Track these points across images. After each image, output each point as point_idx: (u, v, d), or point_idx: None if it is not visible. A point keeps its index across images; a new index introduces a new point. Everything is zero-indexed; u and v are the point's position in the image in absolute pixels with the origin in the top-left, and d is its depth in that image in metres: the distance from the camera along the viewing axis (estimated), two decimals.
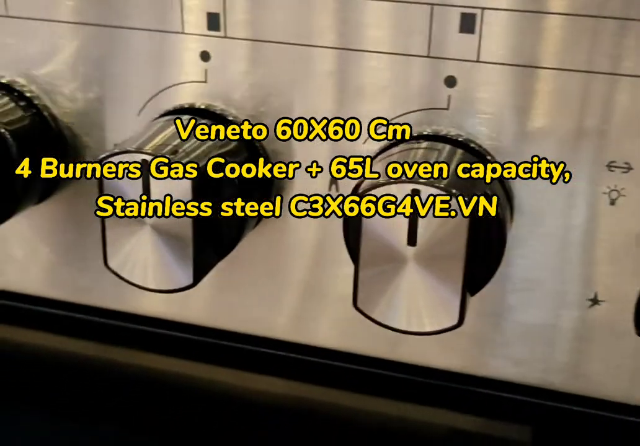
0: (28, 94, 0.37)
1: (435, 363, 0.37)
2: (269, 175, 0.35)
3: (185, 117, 0.34)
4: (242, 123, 0.35)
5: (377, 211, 0.28)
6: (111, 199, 0.31)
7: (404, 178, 0.28)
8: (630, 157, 0.31)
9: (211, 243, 0.33)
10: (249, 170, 0.34)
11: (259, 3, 0.33)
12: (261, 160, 0.35)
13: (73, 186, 0.39)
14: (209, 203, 0.32)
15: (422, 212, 0.28)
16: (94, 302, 0.41)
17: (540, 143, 0.32)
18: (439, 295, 0.29)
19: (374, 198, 0.28)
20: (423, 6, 0.31)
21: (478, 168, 0.31)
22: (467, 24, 0.31)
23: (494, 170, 0.32)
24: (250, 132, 0.35)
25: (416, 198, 0.28)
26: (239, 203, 0.33)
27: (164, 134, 0.33)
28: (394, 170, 0.29)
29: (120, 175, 0.31)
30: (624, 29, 0.29)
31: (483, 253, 0.30)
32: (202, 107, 0.35)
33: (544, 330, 0.34)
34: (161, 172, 0.31)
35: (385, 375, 0.39)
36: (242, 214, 0.33)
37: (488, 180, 0.31)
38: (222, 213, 0.33)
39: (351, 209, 0.31)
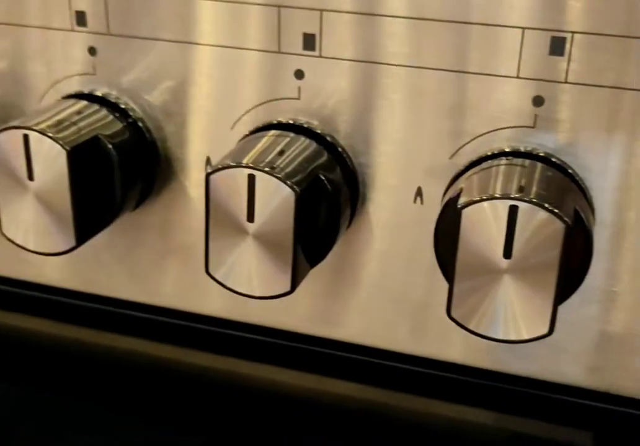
0: (122, 105, 0.39)
1: (511, 370, 0.39)
2: (356, 186, 0.37)
3: (278, 132, 0.36)
4: (333, 139, 0.37)
5: (474, 226, 0.30)
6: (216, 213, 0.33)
7: (499, 194, 0.30)
8: None
9: (307, 251, 0.34)
10: (339, 182, 0.36)
11: (355, 25, 0.35)
12: (348, 172, 0.37)
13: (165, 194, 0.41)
14: (307, 214, 0.33)
15: (520, 226, 0.29)
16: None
17: (622, 160, 0.33)
18: (532, 305, 0.30)
19: (472, 213, 0.30)
20: (515, 30, 0.33)
21: (567, 183, 0.32)
22: (557, 46, 0.32)
23: (580, 186, 0.33)
24: (341, 147, 0.36)
25: (514, 214, 0.29)
26: (331, 213, 0.35)
27: (259, 149, 0.35)
28: (489, 186, 0.31)
29: (228, 191, 0.33)
30: None
31: (571, 264, 0.31)
32: (292, 122, 0.37)
33: (622, 339, 0.36)
34: (265, 185, 0.32)
35: (456, 379, 0.41)
36: (334, 224, 0.35)
37: (575, 194, 0.32)
38: (318, 223, 0.34)
39: (443, 223, 0.32)
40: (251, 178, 0.33)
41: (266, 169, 0.33)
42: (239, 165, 0.33)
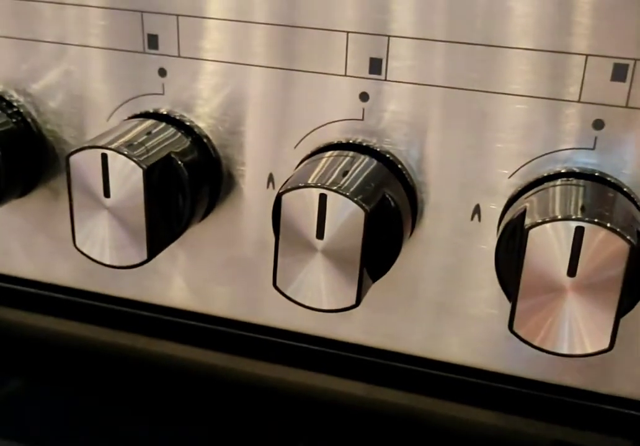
0: (187, 123, 0.41)
1: (561, 380, 0.40)
2: (415, 203, 0.38)
3: (340, 152, 0.38)
4: (393, 157, 0.38)
5: (539, 246, 0.31)
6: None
7: (563, 215, 0.31)
8: None
9: (371, 266, 0.36)
10: (402, 199, 0.37)
11: (418, 51, 0.36)
12: (409, 190, 0.38)
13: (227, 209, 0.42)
14: (374, 231, 0.35)
15: (584, 246, 0.31)
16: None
17: None
18: (595, 321, 0.32)
19: (537, 234, 0.31)
20: (579, 56, 0.34)
21: (627, 202, 0.34)
22: (619, 73, 0.34)
23: (637, 205, 0.35)
24: (401, 164, 0.38)
25: (580, 234, 0.31)
26: (394, 229, 0.37)
27: (325, 168, 0.36)
28: (550, 207, 0.32)
29: (298, 209, 0.34)
30: None
31: (633, 280, 0.32)
32: (354, 142, 0.38)
33: None
34: (335, 204, 0.34)
35: (505, 389, 0.42)
36: (397, 241, 0.37)
37: (635, 213, 0.34)
38: (383, 240, 0.36)
39: (505, 242, 0.34)
40: (322, 198, 0.34)
41: (336, 188, 0.34)
42: (309, 185, 0.34)
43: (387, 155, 0.38)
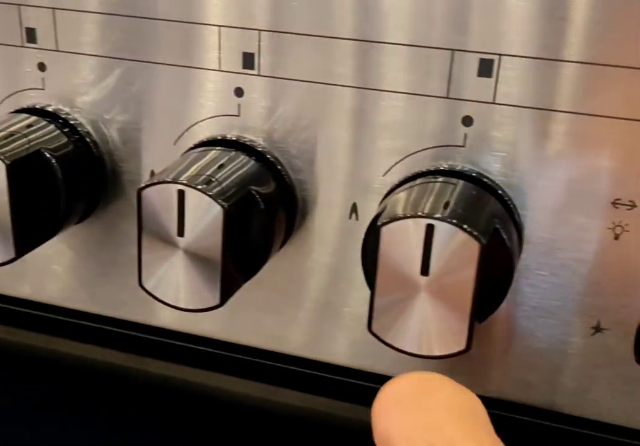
0: (72, 122, 0.40)
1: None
2: (293, 203, 0.38)
3: (218, 148, 0.37)
4: (272, 155, 0.37)
5: (393, 243, 0.31)
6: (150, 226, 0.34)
7: (420, 213, 0.31)
8: (635, 195, 0.33)
9: (238, 266, 0.35)
10: (275, 198, 0.37)
11: (285, 47, 0.35)
12: (289, 188, 0.37)
13: (113, 207, 0.41)
14: (238, 231, 0.34)
15: (437, 245, 0.30)
16: (126, 316, 0.43)
17: (551, 179, 0.34)
18: (449, 321, 0.31)
19: (390, 232, 0.30)
20: (445, 51, 0.33)
21: (490, 202, 0.33)
22: (485, 68, 0.33)
23: (504, 204, 0.34)
24: (280, 164, 0.37)
25: (430, 232, 0.30)
26: (266, 230, 0.36)
27: (198, 164, 0.35)
28: (411, 204, 0.31)
29: (158, 205, 0.33)
30: (634, 77, 0.31)
31: (492, 282, 0.32)
32: (233, 138, 0.38)
33: (551, 355, 0.36)
34: (195, 202, 0.33)
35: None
36: (267, 240, 0.36)
37: (499, 213, 0.33)
38: (250, 239, 0.35)
39: (369, 240, 0.33)
40: (181, 194, 0.33)
41: (195, 185, 0.33)
42: (168, 181, 0.33)
43: (262, 152, 0.37)
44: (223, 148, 0.37)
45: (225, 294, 0.35)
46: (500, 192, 0.34)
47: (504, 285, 0.32)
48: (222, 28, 0.36)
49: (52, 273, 0.44)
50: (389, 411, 0.24)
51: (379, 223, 0.31)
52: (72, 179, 0.39)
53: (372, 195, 0.37)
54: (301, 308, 0.40)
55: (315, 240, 0.38)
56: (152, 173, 0.40)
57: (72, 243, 0.43)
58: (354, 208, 0.37)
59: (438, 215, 0.30)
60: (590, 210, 0.34)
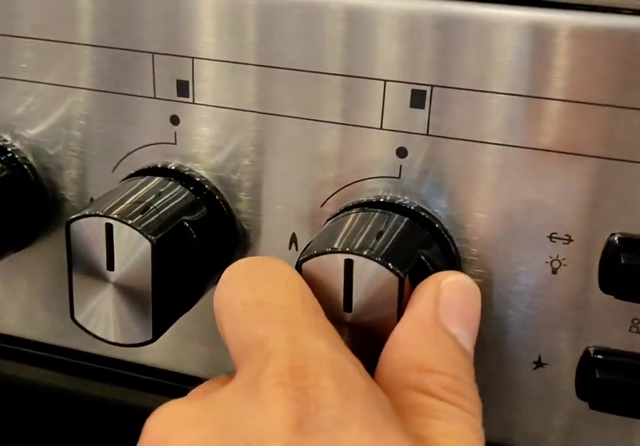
0: (9, 148, 0.39)
1: None
2: (232, 233, 0.37)
3: (156, 178, 0.36)
4: (210, 186, 0.37)
5: (315, 278, 0.30)
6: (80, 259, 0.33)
7: (331, 248, 0.30)
8: (571, 229, 0.32)
9: (172, 300, 0.34)
10: (213, 230, 0.36)
11: (224, 73, 0.35)
12: (226, 218, 0.37)
13: (54, 235, 0.41)
14: (169, 264, 0.33)
15: (357, 279, 0.29)
16: (68, 344, 0.43)
17: (486, 212, 0.33)
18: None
19: (311, 268, 0.30)
20: (377, 82, 0.33)
21: (419, 234, 0.32)
22: (418, 99, 0.32)
23: (437, 235, 0.33)
24: (218, 194, 0.37)
25: (350, 267, 0.29)
26: (200, 262, 0.35)
27: (133, 194, 0.35)
28: (335, 238, 0.31)
29: (86, 239, 0.33)
30: (567, 109, 0.31)
31: None
32: (173, 167, 0.37)
33: (493, 389, 0.36)
34: (124, 235, 0.32)
35: None
36: (203, 273, 0.35)
37: (427, 245, 0.32)
38: (183, 273, 0.34)
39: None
40: (109, 228, 0.33)
41: (125, 218, 0.32)
42: (96, 214, 0.33)
43: (198, 180, 0.36)
44: (161, 177, 0.37)
45: (158, 329, 0.34)
46: (437, 225, 0.34)
47: None
48: (155, 55, 0.35)
49: None
50: (224, 284, 0.29)
51: (300, 259, 0.30)
52: (8, 206, 0.38)
53: (310, 226, 0.36)
54: None
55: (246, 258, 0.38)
56: (92, 201, 0.39)
57: (12, 271, 0.42)
58: (293, 239, 0.37)
59: (355, 250, 0.29)
60: (527, 243, 0.33)
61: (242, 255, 0.38)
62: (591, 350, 0.33)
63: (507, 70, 0.31)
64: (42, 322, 0.43)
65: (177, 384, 0.41)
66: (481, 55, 0.31)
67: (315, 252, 0.30)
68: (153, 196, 0.35)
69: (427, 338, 0.28)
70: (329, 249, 0.30)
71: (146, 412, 0.26)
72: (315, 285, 0.29)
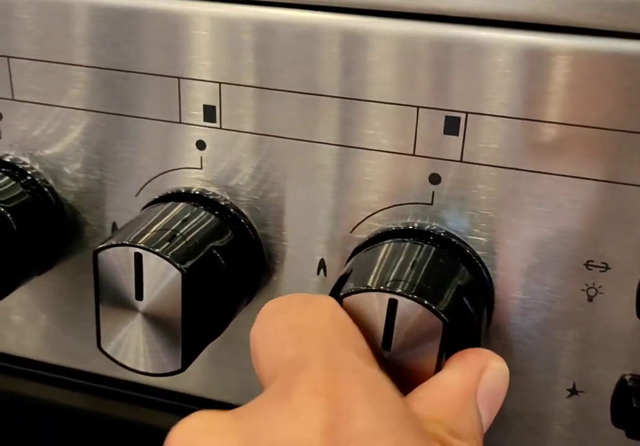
0: (29, 171, 0.39)
1: None
2: (258, 258, 0.36)
3: (180, 203, 0.36)
4: (236, 210, 0.36)
5: (354, 314, 0.29)
6: (107, 288, 0.33)
7: (376, 285, 0.29)
8: (607, 257, 0.32)
9: (200, 329, 0.34)
10: (240, 255, 0.35)
11: (251, 99, 0.34)
12: (253, 244, 0.36)
13: (75, 258, 0.40)
14: (199, 292, 0.33)
15: (398, 319, 0.29)
16: (88, 368, 0.42)
17: (522, 240, 0.33)
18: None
19: (351, 303, 0.29)
20: (411, 108, 0.32)
21: (457, 269, 0.32)
22: (451, 126, 0.32)
23: (473, 264, 0.33)
24: (245, 218, 0.36)
25: (393, 307, 0.29)
26: (228, 288, 0.35)
27: (159, 221, 0.34)
28: (372, 272, 0.30)
29: (114, 268, 0.32)
30: (603, 137, 0.30)
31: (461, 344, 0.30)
32: (197, 192, 0.36)
33: (527, 417, 0.35)
34: (152, 264, 0.32)
35: None
36: (231, 299, 0.35)
37: (466, 281, 0.32)
38: (211, 301, 0.34)
39: None
40: (138, 257, 0.32)
41: (153, 247, 0.32)
42: (125, 244, 0.32)
43: (223, 204, 0.36)
44: (186, 202, 0.36)
45: (187, 359, 0.33)
46: (468, 251, 0.33)
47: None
48: (181, 80, 0.35)
49: (12, 323, 0.43)
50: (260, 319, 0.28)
51: (341, 293, 0.30)
52: (29, 230, 0.37)
53: (339, 252, 0.35)
54: None
55: (282, 296, 0.37)
56: (114, 225, 0.39)
57: (34, 294, 0.41)
58: (321, 264, 0.36)
59: (400, 291, 0.29)
60: (563, 270, 0.33)
61: (269, 280, 0.37)
62: (627, 377, 0.33)
63: (544, 98, 0.30)
64: (62, 346, 0.42)
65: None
66: (514, 81, 0.31)
67: (358, 288, 0.29)
68: (179, 222, 0.34)
69: (465, 402, 0.27)
70: (374, 287, 0.29)
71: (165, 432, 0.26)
72: (354, 321, 0.29)
